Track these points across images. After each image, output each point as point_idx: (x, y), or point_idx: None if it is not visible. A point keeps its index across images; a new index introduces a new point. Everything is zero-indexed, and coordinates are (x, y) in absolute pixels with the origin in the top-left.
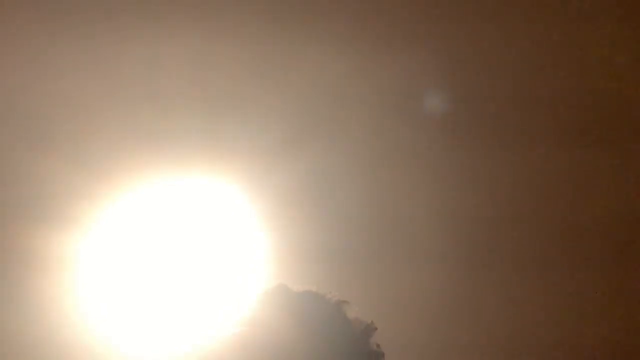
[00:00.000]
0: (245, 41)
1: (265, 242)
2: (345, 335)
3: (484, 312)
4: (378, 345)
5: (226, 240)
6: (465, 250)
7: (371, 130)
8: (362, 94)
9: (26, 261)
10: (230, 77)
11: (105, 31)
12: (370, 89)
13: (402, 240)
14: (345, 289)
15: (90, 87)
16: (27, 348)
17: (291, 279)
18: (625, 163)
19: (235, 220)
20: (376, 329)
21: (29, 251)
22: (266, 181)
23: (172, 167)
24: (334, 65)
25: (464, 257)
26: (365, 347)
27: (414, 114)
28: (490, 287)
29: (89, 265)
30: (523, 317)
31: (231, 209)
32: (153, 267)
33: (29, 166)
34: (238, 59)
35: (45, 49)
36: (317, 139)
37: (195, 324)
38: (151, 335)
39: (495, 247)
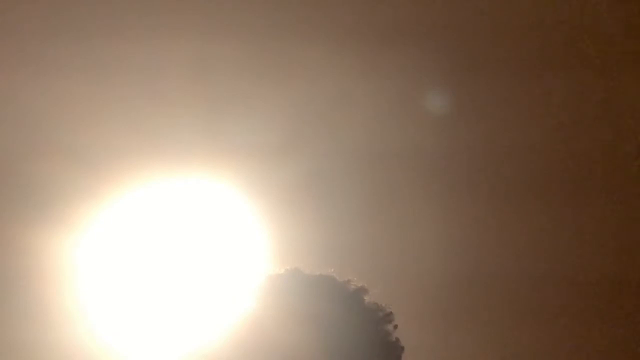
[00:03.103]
0: (246, 41)
1: (265, 242)
2: (361, 326)
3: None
4: (398, 339)
5: (226, 240)
6: (465, 245)
7: (371, 130)
8: (362, 94)
9: (26, 261)
10: (230, 77)
11: (105, 31)
12: (370, 89)
13: (401, 239)
14: None
15: (90, 87)
16: (27, 348)
17: None
18: (620, 217)
19: (235, 220)
20: (395, 322)
21: (29, 251)
22: (266, 181)
23: (172, 167)
24: (334, 65)
25: (464, 251)
26: (384, 338)
27: (414, 114)
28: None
29: (88, 265)
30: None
31: (231, 208)
32: (153, 267)
33: (29, 166)
34: (238, 60)
35: (45, 49)
36: (317, 139)
37: (194, 324)
38: (151, 335)
39: (492, 247)
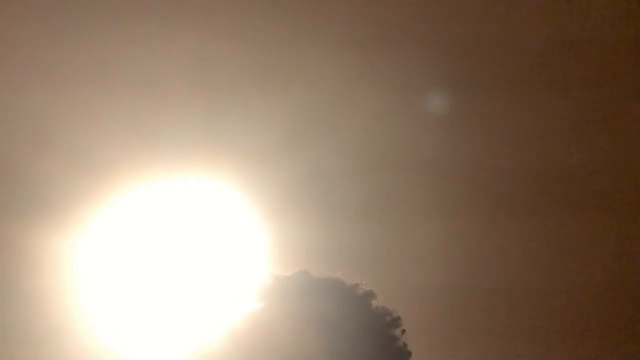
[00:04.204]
0: (246, 42)
1: (265, 242)
2: (366, 330)
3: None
4: (405, 344)
5: (226, 240)
6: (465, 241)
7: (370, 131)
8: (362, 95)
9: (26, 261)
10: (230, 77)
11: (106, 31)
12: (370, 90)
13: (401, 239)
14: None
15: (90, 87)
16: (27, 348)
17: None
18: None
19: (235, 220)
20: (402, 327)
21: (29, 251)
22: (266, 181)
23: (172, 167)
24: (334, 66)
25: (465, 250)
26: (391, 343)
27: (413, 116)
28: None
29: (88, 266)
30: None
31: (231, 208)
32: (153, 266)
33: (29, 166)
34: (238, 60)
35: (46, 49)
36: (317, 139)
37: (195, 324)
38: (151, 335)
39: (490, 247)
